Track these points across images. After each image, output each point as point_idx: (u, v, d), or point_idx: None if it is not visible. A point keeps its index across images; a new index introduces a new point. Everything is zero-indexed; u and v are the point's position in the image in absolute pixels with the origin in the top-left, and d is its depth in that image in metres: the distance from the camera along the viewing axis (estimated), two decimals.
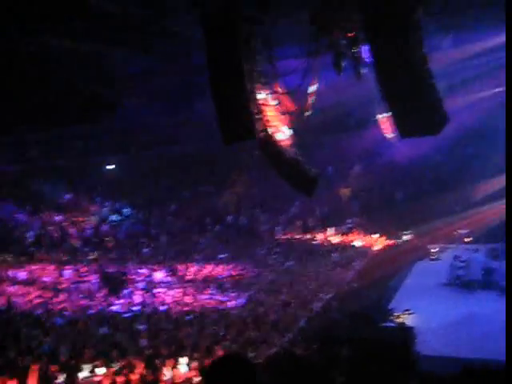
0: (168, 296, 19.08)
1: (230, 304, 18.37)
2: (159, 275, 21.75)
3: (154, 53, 23.59)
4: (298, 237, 28.40)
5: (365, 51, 13.92)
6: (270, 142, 11.62)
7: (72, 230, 28.35)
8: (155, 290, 19.82)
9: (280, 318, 16.40)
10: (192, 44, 19.81)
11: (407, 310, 17.87)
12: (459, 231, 26.07)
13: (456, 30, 20.01)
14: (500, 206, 25.20)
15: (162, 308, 17.75)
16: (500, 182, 26.20)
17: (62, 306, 17.96)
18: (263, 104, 11.04)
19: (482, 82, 26.46)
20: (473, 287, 19.42)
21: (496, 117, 26.80)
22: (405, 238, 26.84)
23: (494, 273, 20.36)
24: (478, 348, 14.69)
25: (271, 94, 11.58)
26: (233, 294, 19.22)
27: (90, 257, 24.77)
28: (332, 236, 28.04)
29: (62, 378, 12.39)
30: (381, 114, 21.45)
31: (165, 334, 15.17)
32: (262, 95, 11.15)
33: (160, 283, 20.80)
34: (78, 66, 22.09)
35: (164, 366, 13.06)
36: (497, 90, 27.14)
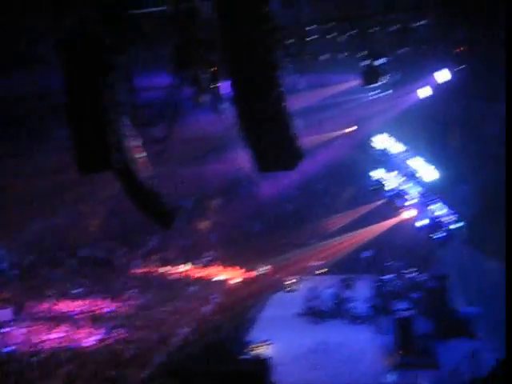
0: (15, 336, 17.78)
1: (85, 341, 17.51)
2: (5, 313, 20.21)
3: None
4: (156, 270, 27.93)
5: (225, 87, 14.25)
6: (127, 173, 11.38)
7: None
8: (1, 330, 18.40)
9: (138, 354, 15.92)
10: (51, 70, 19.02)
11: (264, 341, 18.19)
12: (313, 263, 27.21)
13: (311, 72, 21.09)
14: (349, 237, 26.88)
15: (6, 349, 16.48)
16: (348, 216, 28.04)
17: None
18: (122, 135, 10.81)
19: (335, 122, 28.17)
20: (325, 317, 20.22)
21: (346, 155, 28.75)
22: (262, 270, 27.41)
23: (345, 302, 21.43)
24: (332, 375, 15.29)
25: (130, 125, 11.40)
26: (87, 331, 18.35)
27: None
28: (191, 269, 27.93)
29: None
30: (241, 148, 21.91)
31: (11, 378, 14.08)
32: (120, 126, 10.93)
33: (6, 322, 19.33)
34: None
35: None
36: (347, 130, 29.15)
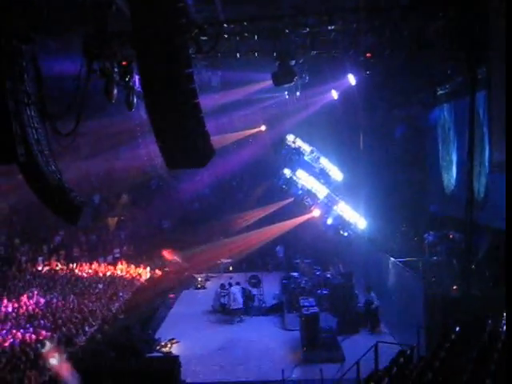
0: None
1: None
2: None
3: None
4: (61, 267, 27.03)
5: (137, 81, 14.08)
6: (32, 166, 10.99)
7: None
8: None
9: (39, 354, 15.31)
10: None
11: (173, 339, 18.09)
12: (223, 261, 27.39)
13: (224, 69, 21.22)
14: (258, 234, 27.29)
15: None
16: (258, 213, 28.48)
17: None
18: (27, 126, 10.43)
19: (247, 121, 28.51)
20: (234, 314, 20.39)
21: (258, 154, 29.19)
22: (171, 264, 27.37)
23: (253, 299, 21.71)
24: (239, 371, 15.44)
25: (37, 116, 11.02)
26: None
27: None
28: (98, 266, 27.27)
29: None
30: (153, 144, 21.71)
31: None
32: (26, 117, 10.53)
33: None
34: None
35: None
36: (260, 128, 29.60)
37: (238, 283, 21.35)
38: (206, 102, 11.00)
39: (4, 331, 17.34)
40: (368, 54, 14.86)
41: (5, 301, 20.40)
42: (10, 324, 18.22)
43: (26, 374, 14.07)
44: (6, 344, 16.14)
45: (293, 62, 15.00)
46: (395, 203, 22.12)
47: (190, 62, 8.69)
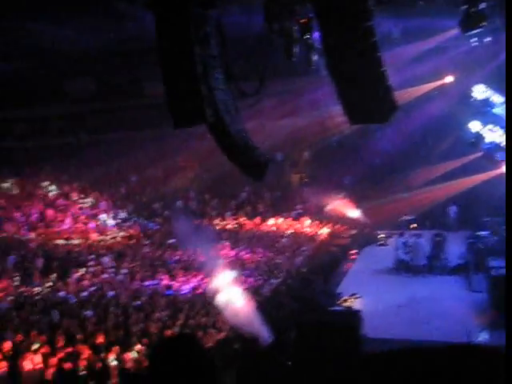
0: (116, 281, 18.82)
1: (180, 289, 18.28)
2: (107, 260, 21.42)
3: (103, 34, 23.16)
4: (247, 222, 28.46)
5: (317, 38, 14.01)
6: (220, 126, 11.55)
7: (16, 214, 27.64)
8: (104, 276, 19.52)
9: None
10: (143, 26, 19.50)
11: (354, 294, 18.27)
12: (405, 217, 26.75)
13: (406, 20, 20.34)
14: (443, 188, 26.12)
15: (110, 293, 17.51)
16: (442, 168, 27.19)
17: (7, 291, 17.48)
18: (214, 88, 10.95)
19: (431, 73, 27.05)
20: (417, 272, 19.95)
21: (444, 107, 27.69)
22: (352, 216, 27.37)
23: (436, 257, 21.01)
24: (422, 330, 15.16)
25: (223, 78, 11.50)
26: (182, 279, 19.12)
27: (35, 241, 24.15)
28: (281, 221, 28.24)
29: (5, 366, 12.12)
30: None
31: (113, 320, 14.99)
32: (213, 80, 11.05)
33: (109, 268, 20.48)
34: None
35: (112, 352, 12.93)
36: (445, 81, 27.91)
37: (422, 240, 20.75)
38: (388, 54, 10.65)
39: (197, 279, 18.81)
40: None
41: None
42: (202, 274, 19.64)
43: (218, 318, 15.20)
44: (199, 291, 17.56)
45: (483, 5, 13.80)
46: None
47: (371, 15, 8.43)
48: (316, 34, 13.33)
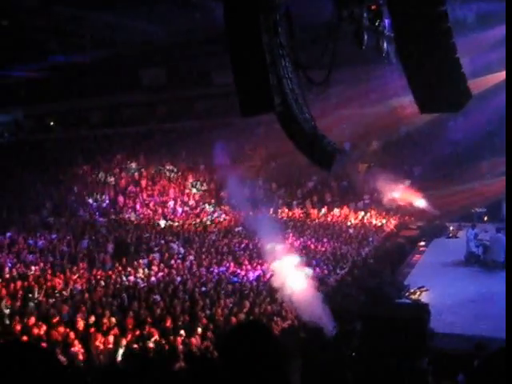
0: (184, 267, 19.18)
1: (246, 276, 18.43)
2: (175, 246, 21.86)
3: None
4: (314, 211, 28.37)
5: (387, 25, 13.71)
6: (288, 115, 11.54)
7: (89, 200, 28.67)
8: (171, 261, 19.92)
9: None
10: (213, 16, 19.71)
11: (422, 287, 17.88)
12: (477, 210, 25.92)
13: (481, 5, 19.61)
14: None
15: (178, 279, 17.87)
16: None
17: (79, 274, 18.13)
18: (283, 77, 10.93)
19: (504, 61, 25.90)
20: (492, 267, 19.30)
21: None
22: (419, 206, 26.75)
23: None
24: (494, 327, 14.66)
25: (291, 67, 11.47)
26: (248, 267, 19.26)
27: (105, 228, 24.97)
28: (348, 211, 27.99)
29: (78, 346, 12.61)
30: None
31: (181, 305, 15.31)
32: (281, 68, 11.04)
33: (176, 254, 20.89)
34: None
35: (179, 335, 13.23)
36: None
37: (500, 235, 20.04)
38: (462, 40, 10.31)
39: (261, 267, 18.91)
40: None
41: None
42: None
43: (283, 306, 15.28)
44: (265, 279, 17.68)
45: None
46: None
47: (443, 0, 8.19)
48: (386, 21, 13.06)
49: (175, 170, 32.76)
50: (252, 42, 10.01)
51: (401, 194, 27.46)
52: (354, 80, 26.51)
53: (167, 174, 32.44)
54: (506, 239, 7.29)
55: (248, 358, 2.66)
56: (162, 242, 22.49)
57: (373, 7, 13.13)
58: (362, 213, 27.45)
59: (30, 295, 16.03)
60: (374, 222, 26.32)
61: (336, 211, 28.03)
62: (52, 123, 37.11)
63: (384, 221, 26.31)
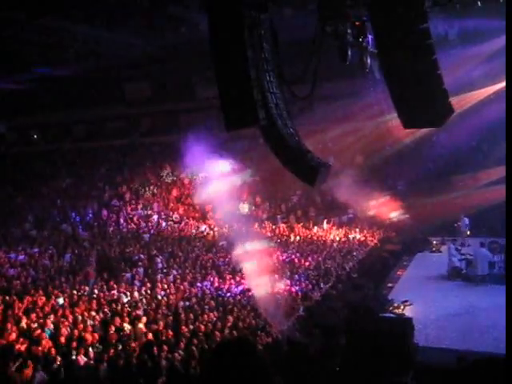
0: (167, 282, 19.03)
1: (229, 291, 18.35)
2: (159, 260, 21.70)
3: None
4: (298, 225, 28.38)
5: (370, 41, 13.85)
6: (272, 129, 11.58)
7: (72, 214, 28.41)
8: (155, 276, 19.76)
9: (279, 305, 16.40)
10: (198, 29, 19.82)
11: (406, 301, 17.93)
12: (459, 224, 26.08)
13: (463, 21, 19.89)
14: (499, 189, 25.21)
15: (161, 294, 17.73)
16: (498, 172, 26.28)
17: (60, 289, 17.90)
18: (267, 91, 10.98)
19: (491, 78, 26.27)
20: (475, 281, 19.42)
21: (501, 113, 26.80)
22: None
23: (493, 266, 20.40)
24: (478, 340, 14.73)
25: (275, 81, 11.53)
26: (232, 281, 19.18)
27: (88, 242, 24.73)
28: (333, 226, 28.05)
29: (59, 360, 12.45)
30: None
31: (163, 320, 15.18)
32: (266, 83, 11.10)
33: (160, 269, 20.74)
34: None
35: (162, 351, 13.09)
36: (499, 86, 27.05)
37: (483, 249, 20.18)
38: (444, 57, 10.45)
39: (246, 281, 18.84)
40: None
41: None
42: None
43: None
44: (249, 294, 17.60)
45: None
46: None
47: (426, 17, 8.30)
48: (370, 37, 13.19)
49: (159, 183, 32.65)
50: (237, 56, 10.05)
51: (378, 207, 27.63)
52: (338, 95, 26.69)
53: (151, 187, 32.29)
54: (506, 241, 7.26)
55: (233, 375, 2.65)
56: (145, 256, 22.30)
57: (357, 23, 13.28)
58: (346, 227, 27.54)
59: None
60: (357, 236, 26.39)
61: (320, 226, 28.08)
62: (35, 136, 36.90)
63: (368, 235, 26.38)
